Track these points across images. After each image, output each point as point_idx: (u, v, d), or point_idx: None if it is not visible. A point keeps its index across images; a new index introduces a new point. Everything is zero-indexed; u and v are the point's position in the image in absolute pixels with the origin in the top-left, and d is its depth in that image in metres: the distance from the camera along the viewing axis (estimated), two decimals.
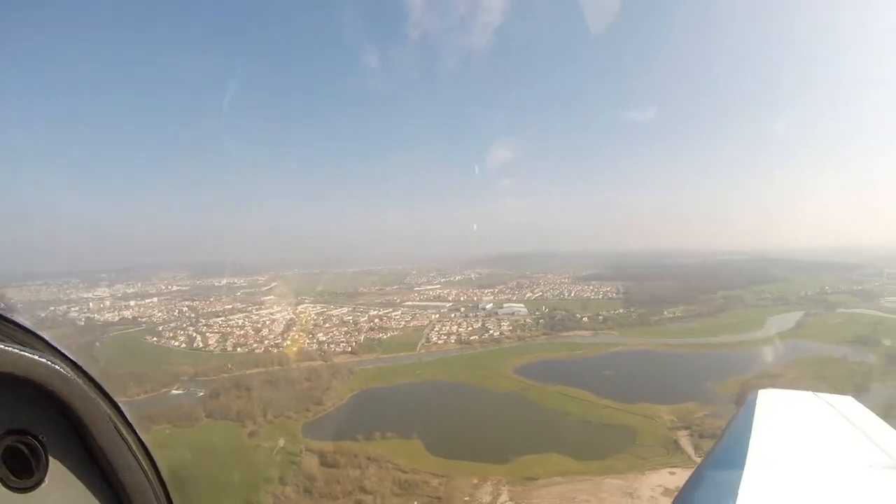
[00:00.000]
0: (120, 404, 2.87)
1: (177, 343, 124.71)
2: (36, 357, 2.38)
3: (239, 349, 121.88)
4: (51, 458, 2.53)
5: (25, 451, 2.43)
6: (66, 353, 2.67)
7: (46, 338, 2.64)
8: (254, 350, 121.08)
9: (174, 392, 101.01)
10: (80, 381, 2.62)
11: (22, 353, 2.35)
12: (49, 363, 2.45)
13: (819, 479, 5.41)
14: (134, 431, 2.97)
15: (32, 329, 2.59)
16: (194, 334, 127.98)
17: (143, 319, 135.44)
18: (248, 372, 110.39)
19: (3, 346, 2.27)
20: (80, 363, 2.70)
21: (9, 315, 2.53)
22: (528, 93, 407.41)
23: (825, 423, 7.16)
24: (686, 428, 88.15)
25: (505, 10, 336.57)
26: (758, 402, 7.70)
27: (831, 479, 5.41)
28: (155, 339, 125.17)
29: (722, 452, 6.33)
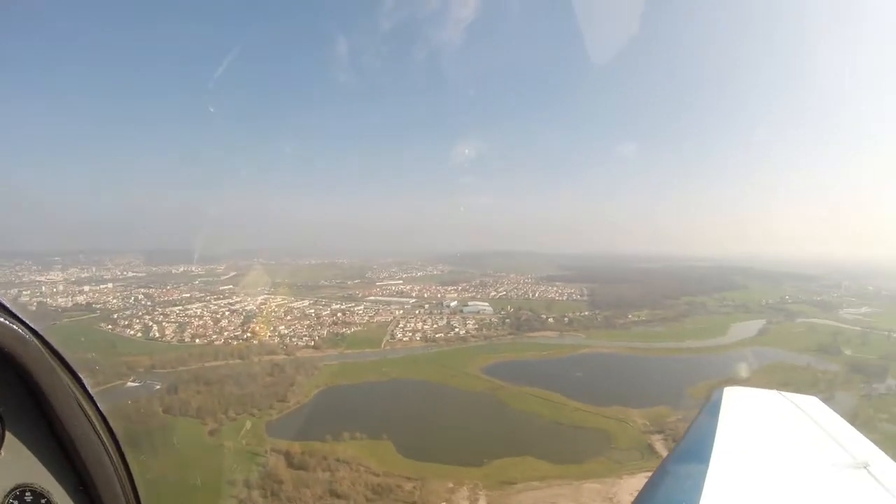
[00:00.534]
0: (80, 375, 2.83)
1: (132, 332, 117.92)
2: None
3: (197, 340, 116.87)
4: (7, 429, 2.52)
5: None
6: (25, 320, 2.59)
7: (5, 302, 2.58)
8: (213, 342, 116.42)
9: (129, 384, 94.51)
10: (40, 346, 2.58)
11: None
12: (7, 323, 2.43)
13: (783, 476, 5.56)
14: (94, 403, 2.93)
15: None
16: (151, 323, 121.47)
17: (98, 306, 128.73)
18: (207, 365, 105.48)
19: None
20: (39, 330, 2.62)
21: None
22: (497, 92, 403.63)
23: (790, 421, 7.31)
24: (660, 432, 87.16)
25: (478, 7, 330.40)
26: (723, 399, 7.90)
27: (795, 477, 5.60)
28: (110, 326, 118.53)
29: (687, 448, 6.64)
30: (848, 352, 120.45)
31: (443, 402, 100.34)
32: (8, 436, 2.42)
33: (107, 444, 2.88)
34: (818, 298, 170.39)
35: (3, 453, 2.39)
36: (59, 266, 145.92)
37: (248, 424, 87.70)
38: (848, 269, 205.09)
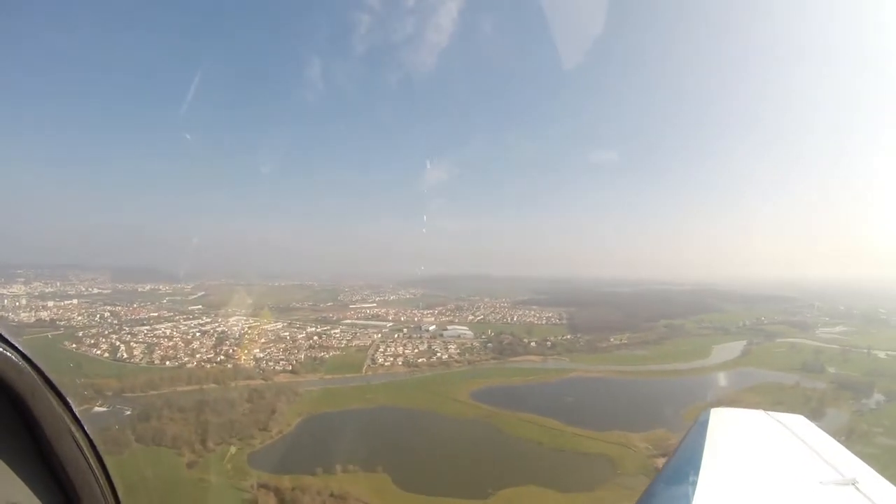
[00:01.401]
0: (69, 400, 2.92)
1: (99, 352, 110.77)
2: None
3: (168, 363, 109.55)
4: None
5: None
6: (17, 345, 2.67)
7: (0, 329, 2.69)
8: (185, 364, 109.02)
9: (97, 409, 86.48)
10: (32, 372, 2.68)
11: None
12: (2, 351, 2.53)
13: (771, 495, 5.59)
14: (82, 427, 3.01)
15: None
16: (118, 343, 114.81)
17: (62, 322, 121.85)
18: (180, 389, 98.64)
19: None
20: (29, 355, 2.71)
21: None
22: (466, 117, 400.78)
23: (777, 441, 7.35)
24: (664, 455, 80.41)
25: (449, 30, 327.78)
26: (710, 420, 7.82)
27: (783, 495, 5.60)
28: (74, 345, 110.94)
29: (674, 470, 6.46)
30: (832, 370, 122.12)
31: (436, 430, 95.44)
32: None
33: (94, 466, 2.90)
34: (794, 319, 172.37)
35: None
36: (22, 279, 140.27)
37: (231, 455, 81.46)
38: (818, 290, 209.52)
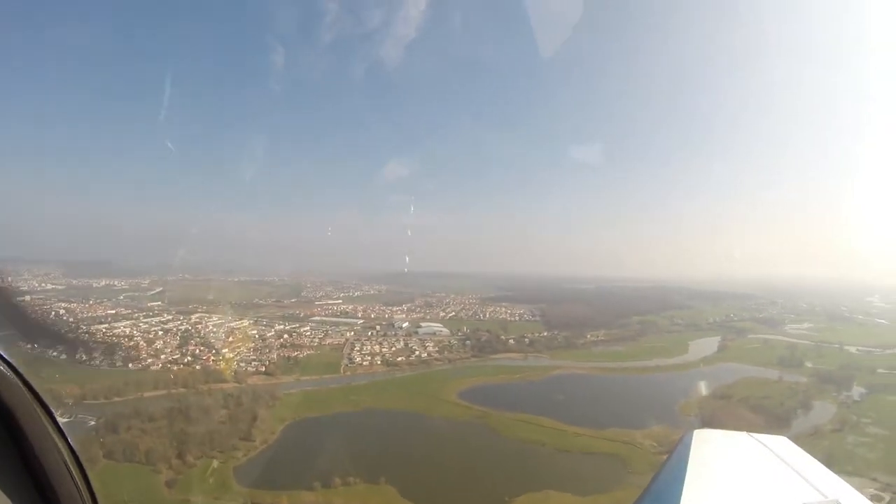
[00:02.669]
0: (53, 412, 3.08)
1: (54, 353, 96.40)
2: None
3: (131, 365, 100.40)
4: None
5: None
6: (4, 356, 2.82)
7: None
8: (149, 366, 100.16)
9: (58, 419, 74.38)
10: (18, 382, 2.83)
11: None
12: None
13: None
14: (66, 438, 3.14)
15: None
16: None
17: None
18: (146, 395, 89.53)
19: None
20: (15, 365, 2.85)
21: None
22: (432, 111, 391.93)
23: (760, 462, 7.41)
24: (669, 452, 77.15)
25: (419, 26, 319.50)
26: (693, 442, 7.86)
27: None
28: (28, 346, 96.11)
29: (658, 491, 6.36)
30: (809, 364, 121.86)
31: (431, 433, 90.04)
32: None
33: (77, 479, 3.00)
34: (760, 316, 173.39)
35: None
36: None
37: (214, 469, 72.91)
38: (778, 288, 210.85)
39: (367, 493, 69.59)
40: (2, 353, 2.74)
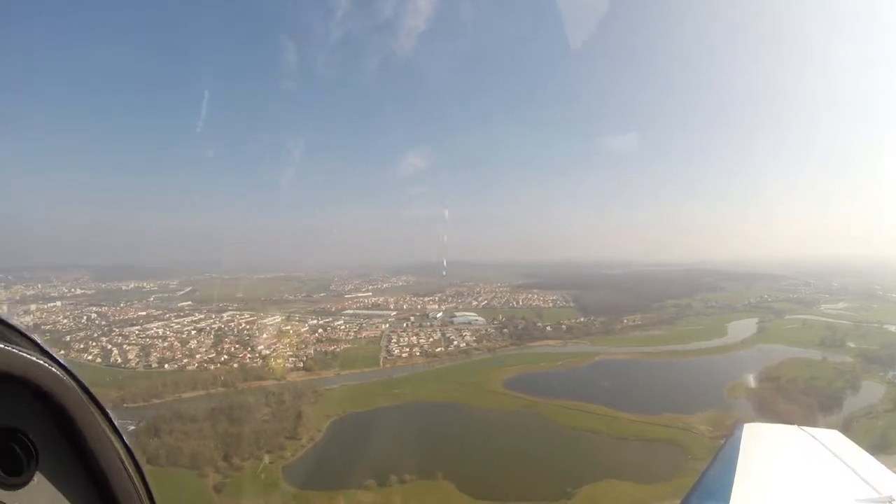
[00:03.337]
0: (108, 410, 2.98)
1: (90, 357, 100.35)
2: (34, 359, 2.57)
3: (167, 366, 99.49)
4: (41, 458, 2.69)
5: (17, 449, 2.60)
6: (58, 358, 2.78)
7: (40, 342, 2.81)
8: (185, 367, 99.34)
9: None
10: (74, 385, 2.77)
11: (20, 353, 2.55)
12: (47, 366, 2.63)
13: None
14: (121, 437, 3.07)
15: (26, 332, 2.78)
16: (109, 346, 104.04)
17: (47, 327, 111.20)
18: (185, 396, 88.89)
19: (4, 347, 2.47)
20: (70, 368, 2.81)
21: (4, 317, 2.71)
22: (446, 105, 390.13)
23: (811, 457, 7.16)
24: (726, 436, 75.13)
25: (430, 17, 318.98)
26: (743, 435, 7.73)
27: None
28: (63, 351, 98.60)
29: (706, 487, 6.29)
30: (851, 344, 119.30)
31: (481, 425, 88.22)
32: (42, 466, 2.60)
33: (133, 476, 2.99)
34: (794, 296, 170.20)
35: (35, 480, 2.57)
36: (2, 283, 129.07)
37: (263, 470, 71.34)
38: (810, 268, 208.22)
39: (425, 490, 67.76)
40: (57, 357, 2.65)
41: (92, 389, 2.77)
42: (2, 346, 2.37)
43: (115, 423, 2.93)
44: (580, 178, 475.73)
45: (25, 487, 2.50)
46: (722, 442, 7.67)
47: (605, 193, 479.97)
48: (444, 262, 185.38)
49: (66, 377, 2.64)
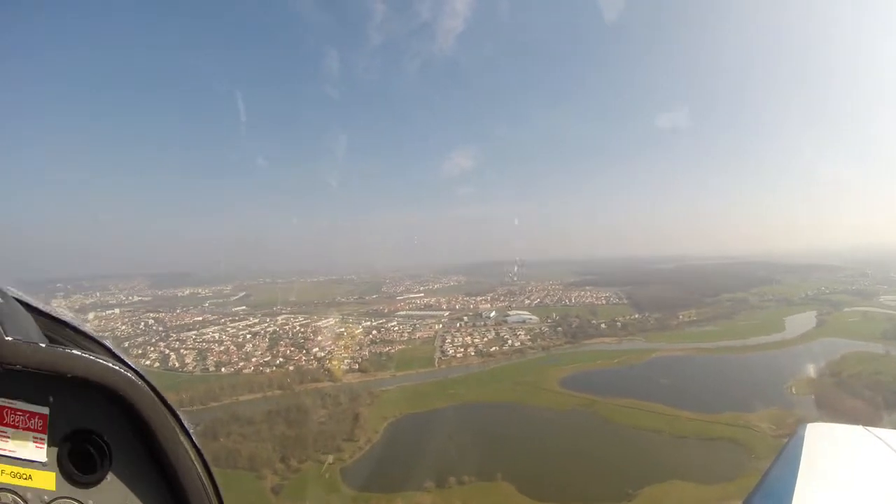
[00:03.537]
0: (178, 411, 3.03)
1: (148, 362, 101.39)
2: (109, 364, 2.70)
3: (224, 369, 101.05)
4: (114, 458, 2.81)
5: (91, 449, 2.73)
6: (129, 363, 2.89)
7: (112, 347, 2.96)
8: (241, 370, 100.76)
9: None
10: (146, 387, 2.85)
11: (96, 359, 2.67)
12: (122, 370, 2.75)
13: None
14: (191, 438, 3.12)
15: (99, 339, 2.92)
16: (167, 351, 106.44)
17: (107, 333, 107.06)
18: (242, 399, 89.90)
19: (79, 353, 2.63)
20: (141, 372, 2.88)
21: (78, 325, 2.88)
22: (490, 103, 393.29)
23: (878, 460, 6.46)
24: (789, 435, 73.36)
25: (468, 17, 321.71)
26: (806, 436, 6.91)
27: None
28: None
29: (768, 489, 5.89)
30: None
31: (540, 424, 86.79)
32: (115, 465, 2.73)
33: (201, 473, 3.03)
34: (853, 287, 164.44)
35: (109, 478, 2.70)
36: (62, 293, 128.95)
37: (322, 472, 71.82)
38: (866, 258, 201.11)
39: (484, 492, 67.35)
40: (129, 362, 2.76)
41: (161, 390, 2.81)
42: (78, 352, 2.55)
43: (185, 423, 2.96)
44: (628, 172, 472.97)
45: (98, 486, 2.65)
46: (785, 441, 6.90)
47: (656, 187, 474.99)
48: (490, 262, 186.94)
49: (138, 380, 2.72)
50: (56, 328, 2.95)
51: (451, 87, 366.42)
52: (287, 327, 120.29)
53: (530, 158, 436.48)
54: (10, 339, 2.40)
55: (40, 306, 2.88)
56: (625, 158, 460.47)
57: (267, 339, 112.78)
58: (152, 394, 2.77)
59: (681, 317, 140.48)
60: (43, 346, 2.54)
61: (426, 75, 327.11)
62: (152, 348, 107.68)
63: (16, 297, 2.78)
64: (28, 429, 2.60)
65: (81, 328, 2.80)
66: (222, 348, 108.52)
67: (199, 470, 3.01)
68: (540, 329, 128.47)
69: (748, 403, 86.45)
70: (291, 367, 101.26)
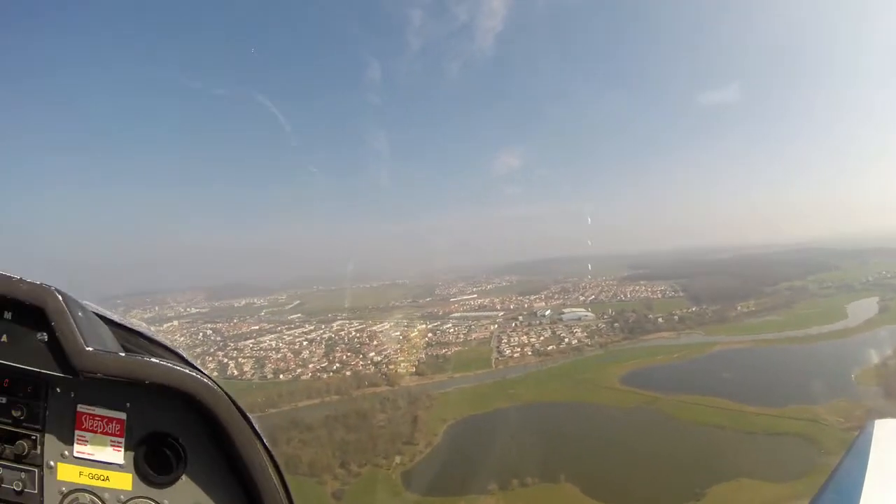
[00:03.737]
0: (251, 417, 3.21)
1: (207, 371, 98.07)
2: (186, 371, 2.95)
3: (282, 376, 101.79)
4: (189, 461, 3.06)
5: (166, 451, 3.00)
6: (201, 369, 3.14)
7: (185, 355, 3.29)
8: (299, 376, 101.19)
9: None
10: (221, 392, 3.07)
11: (173, 366, 2.95)
12: (199, 377, 2.98)
13: None
14: (263, 441, 3.26)
15: (173, 347, 3.31)
16: (225, 360, 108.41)
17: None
18: (301, 405, 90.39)
19: (156, 361, 2.93)
20: (213, 379, 3.11)
21: (152, 335, 3.31)
22: (533, 100, 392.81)
23: None
24: (860, 427, 71.09)
25: (505, 16, 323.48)
26: (875, 432, 6.74)
27: None
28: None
29: (835, 490, 5.73)
30: None
31: (601, 423, 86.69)
32: (189, 467, 2.97)
33: (272, 474, 3.14)
34: None
35: (183, 480, 2.93)
36: (122, 307, 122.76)
37: (388, 473, 72.91)
38: None
39: (548, 494, 66.69)
40: (201, 369, 3.03)
41: (233, 396, 3.00)
42: (156, 360, 2.86)
43: (257, 427, 3.11)
44: (675, 163, 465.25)
45: (173, 486, 2.90)
46: (855, 434, 6.77)
47: (704, 176, 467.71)
48: (542, 261, 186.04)
49: (214, 386, 2.92)
50: (132, 338, 3.35)
51: (493, 86, 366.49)
52: (343, 333, 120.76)
53: (577, 154, 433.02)
54: (90, 349, 2.74)
55: (116, 318, 3.25)
56: (672, 149, 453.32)
57: (323, 346, 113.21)
58: (227, 399, 2.98)
59: (739, 308, 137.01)
60: (121, 355, 2.90)
61: (467, 76, 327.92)
62: (211, 358, 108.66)
63: (94, 310, 3.09)
64: (106, 433, 2.92)
65: (155, 338, 3.23)
66: (279, 355, 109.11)
67: (273, 472, 3.11)
68: (596, 326, 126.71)
69: (814, 395, 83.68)
70: (348, 373, 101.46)
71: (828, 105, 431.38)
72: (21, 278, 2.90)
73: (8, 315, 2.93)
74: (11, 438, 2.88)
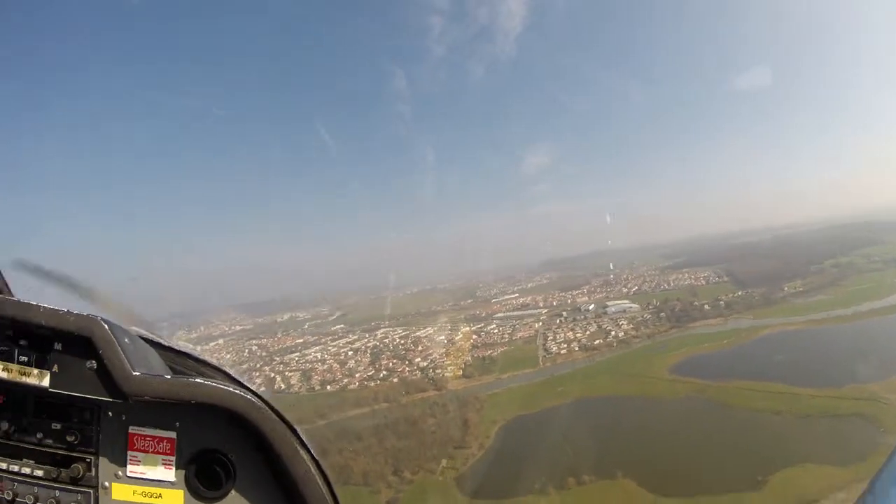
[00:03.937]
0: (297, 428, 3.48)
1: (255, 386, 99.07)
2: (231, 388, 3.23)
3: (329, 387, 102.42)
4: (237, 476, 3.32)
5: (216, 467, 3.26)
6: (249, 386, 3.49)
7: (232, 373, 3.64)
8: (346, 386, 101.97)
9: None
10: (266, 408, 3.33)
11: (218, 385, 3.23)
12: (243, 393, 3.26)
13: None
14: (310, 452, 3.52)
15: (219, 366, 3.61)
16: (272, 374, 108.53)
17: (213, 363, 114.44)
18: (349, 414, 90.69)
19: (202, 381, 3.21)
20: (259, 393, 3.41)
21: (198, 355, 3.60)
22: (558, 97, 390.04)
23: None
24: None
25: (525, 16, 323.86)
26: None
27: None
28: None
29: (892, 472, 4.62)
30: None
31: (653, 415, 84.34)
32: (238, 482, 3.23)
33: (320, 484, 3.37)
34: None
35: (232, 495, 3.19)
36: (167, 330, 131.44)
37: (444, 468, 73.98)
38: None
39: (606, 490, 65.42)
40: (248, 385, 3.32)
41: (281, 410, 3.27)
42: (201, 380, 3.12)
43: (304, 438, 3.37)
44: (707, 148, 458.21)
45: (223, 500, 3.14)
46: None
47: (738, 159, 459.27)
48: (580, 255, 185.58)
49: (258, 401, 3.17)
50: (178, 359, 3.63)
51: (518, 86, 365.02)
52: (387, 340, 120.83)
53: (605, 149, 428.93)
54: (137, 374, 2.96)
55: (163, 341, 3.54)
56: (702, 135, 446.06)
57: (368, 354, 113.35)
58: (272, 413, 3.22)
59: (786, 289, 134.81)
60: (168, 377, 3.15)
61: (491, 79, 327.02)
62: (258, 373, 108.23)
63: (140, 334, 3.37)
64: (157, 452, 3.17)
65: (202, 357, 3.48)
66: (325, 367, 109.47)
67: (320, 482, 3.35)
68: (642, 317, 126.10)
69: (871, 373, 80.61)
70: (395, 380, 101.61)
71: (863, 76, 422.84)
72: (68, 311, 3.05)
73: (58, 346, 3.12)
74: (67, 462, 3.14)
